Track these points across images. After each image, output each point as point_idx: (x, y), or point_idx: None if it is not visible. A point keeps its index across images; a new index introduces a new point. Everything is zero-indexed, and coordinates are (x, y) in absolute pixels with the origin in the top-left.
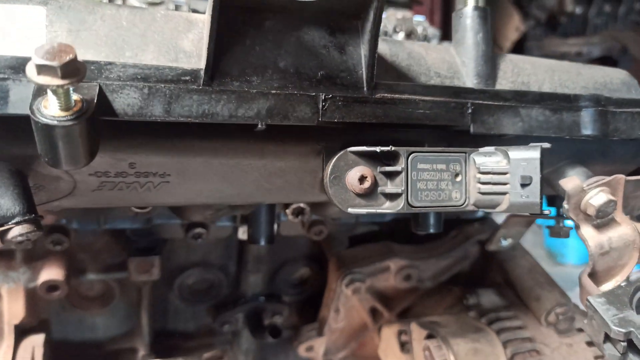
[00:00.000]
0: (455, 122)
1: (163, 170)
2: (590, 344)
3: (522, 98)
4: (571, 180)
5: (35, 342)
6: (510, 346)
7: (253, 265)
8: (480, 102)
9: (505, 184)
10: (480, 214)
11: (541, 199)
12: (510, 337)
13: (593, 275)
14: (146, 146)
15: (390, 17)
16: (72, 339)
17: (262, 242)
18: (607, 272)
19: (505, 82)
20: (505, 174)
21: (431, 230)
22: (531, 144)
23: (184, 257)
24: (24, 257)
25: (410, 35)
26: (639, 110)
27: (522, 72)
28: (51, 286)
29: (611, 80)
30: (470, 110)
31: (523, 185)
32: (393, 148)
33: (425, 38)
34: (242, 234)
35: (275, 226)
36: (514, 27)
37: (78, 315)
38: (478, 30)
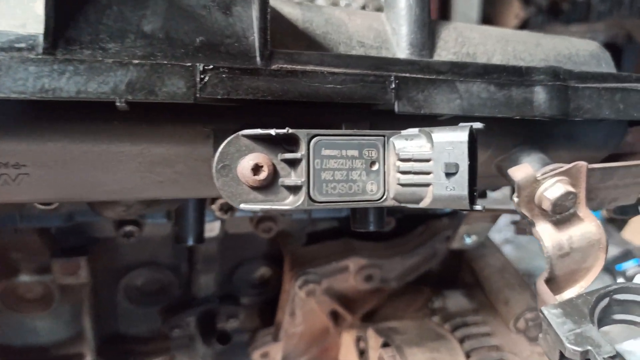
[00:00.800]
0: (375, 100)
1: (16, 160)
2: None
3: (462, 71)
4: (522, 169)
5: None
6: (475, 355)
7: (203, 265)
8: (408, 75)
9: (428, 173)
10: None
11: (471, 190)
12: (475, 345)
13: (551, 281)
14: None
15: None
16: (14, 343)
17: (190, 242)
18: (568, 277)
19: (445, 53)
20: (427, 160)
21: (371, 228)
22: (461, 124)
23: (130, 256)
24: None
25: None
26: (608, 86)
27: (467, 42)
28: None
29: (577, 51)
30: (393, 85)
31: (448, 175)
32: (290, 130)
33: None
34: None
35: (219, 224)
36: (513, 14)
37: (17, 319)
38: None
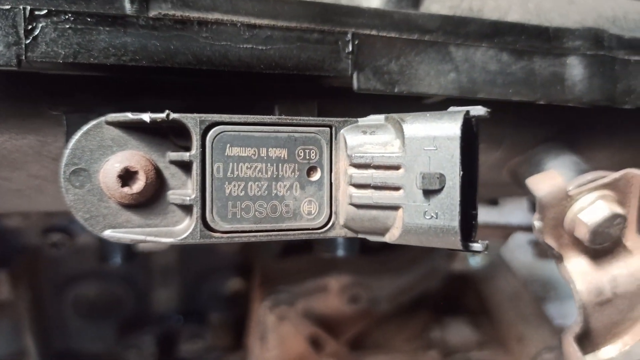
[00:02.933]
0: (322, 70)
1: None
2: None
3: (460, 30)
4: (547, 178)
5: None
6: None
7: (161, 277)
8: (375, 32)
9: (397, 188)
10: None
11: (468, 218)
12: None
13: (585, 337)
14: None
15: None
16: None
17: (119, 260)
18: (607, 330)
19: (438, 6)
20: (396, 168)
21: (339, 253)
22: (451, 109)
23: (74, 266)
24: None
25: None
26: None
27: None
28: None
29: (625, 14)
30: (350, 48)
31: (427, 193)
32: (172, 115)
33: None
34: None
35: None
36: None
37: None
38: None
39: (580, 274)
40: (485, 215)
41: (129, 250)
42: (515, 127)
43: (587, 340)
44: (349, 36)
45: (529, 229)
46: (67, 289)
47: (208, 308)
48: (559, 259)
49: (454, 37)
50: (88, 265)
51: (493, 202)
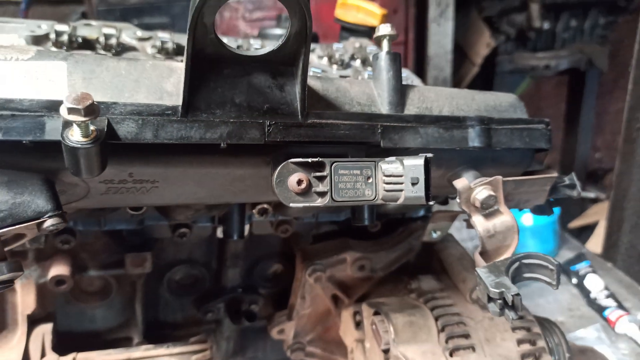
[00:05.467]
0: (369, 139)
1: (153, 178)
2: None
3: (422, 120)
4: (461, 181)
5: (45, 330)
6: (441, 319)
7: (231, 261)
8: (388, 124)
9: (401, 183)
10: (421, 212)
11: (427, 192)
12: (441, 312)
13: (484, 254)
14: (141, 161)
15: (349, 46)
16: (75, 329)
17: (235, 237)
18: (495, 251)
19: (412, 107)
20: (401, 176)
21: (366, 223)
22: (420, 154)
23: (172, 255)
24: (35, 257)
25: (364, 62)
26: (518, 127)
27: (426, 100)
28: (59, 280)
29: (500, 103)
30: (380, 130)
31: (413, 184)
32: (320, 159)
33: None
34: (220, 233)
35: (248, 226)
36: (484, 43)
37: (79, 309)
38: (389, 69)
39: (479, 223)
40: (440, 208)
41: (211, 244)
42: (448, 159)
43: (486, 257)
44: (379, 126)
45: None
46: (166, 271)
47: (260, 284)
48: (469, 217)
49: (419, 123)
50: (184, 253)
51: (444, 202)
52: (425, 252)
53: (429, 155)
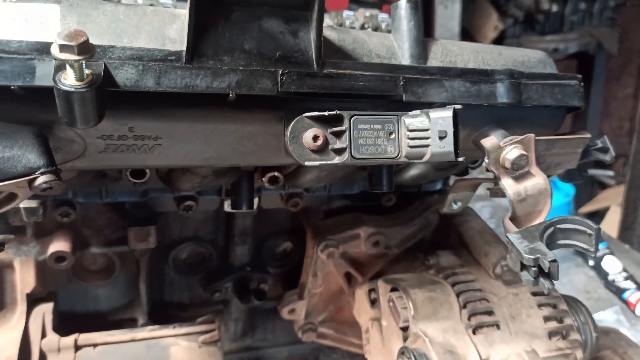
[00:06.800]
0: (390, 92)
1: (156, 134)
2: (534, 293)
3: (446, 73)
4: (490, 140)
5: (45, 309)
6: (463, 295)
7: (239, 237)
8: (411, 76)
9: (427, 138)
10: (438, 185)
11: (456, 148)
12: (463, 288)
13: (514, 220)
14: (142, 112)
15: (360, 15)
16: (77, 309)
17: (244, 208)
18: (526, 217)
19: (435, 61)
20: (427, 130)
21: (385, 189)
22: (447, 106)
23: (177, 232)
24: (34, 233)
25: (376, 29)
26: (549, 82)
27: (450, 53)
28: (59, 257)
29: (529, 59)
30: (402, 83)
31: (441, 138)
32: (338, 112)
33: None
34: (227, 206)
35: (257, 200)
36: (492, 26)
37: (82, 288)
38: (410, 19)
39: (509, 185)
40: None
41: (218, 220)
42: (473, 117)
43: (516, 222)
44: (401, 78)
45: (486, 179)
46: (171, 249)
47: (269, 263)
48: (498, 179)
49: (444, 76)
50: (189, 230)
51: (464, 172)
52: (442, 228)
53: (458, 106)
